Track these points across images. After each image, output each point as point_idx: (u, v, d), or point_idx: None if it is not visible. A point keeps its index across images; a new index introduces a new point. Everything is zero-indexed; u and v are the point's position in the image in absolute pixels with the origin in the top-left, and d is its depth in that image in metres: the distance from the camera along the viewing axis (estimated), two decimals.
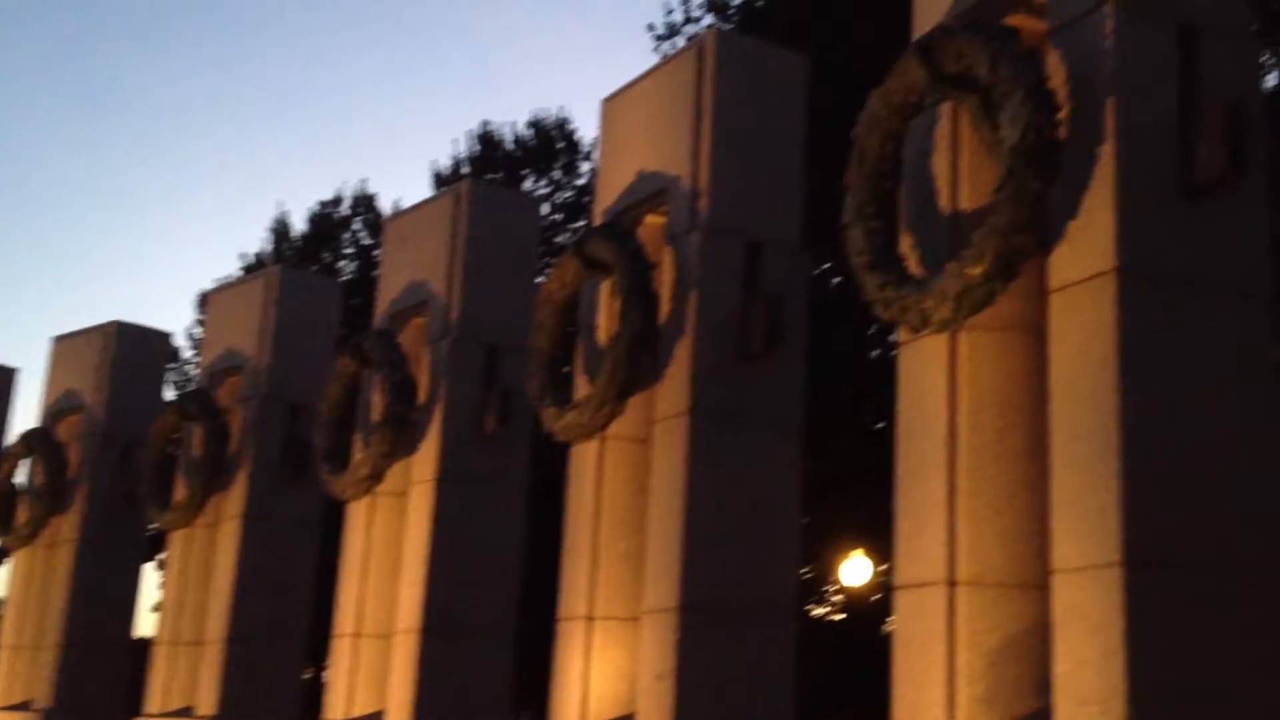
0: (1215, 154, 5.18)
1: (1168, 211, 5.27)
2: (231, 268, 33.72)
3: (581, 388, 8.06)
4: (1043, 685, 5.19)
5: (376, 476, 9.66)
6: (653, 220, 7.98)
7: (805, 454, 7.81)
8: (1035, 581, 5.39)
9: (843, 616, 26.31)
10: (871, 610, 24.37)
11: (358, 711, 9.47)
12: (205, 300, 18.25)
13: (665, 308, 7.64)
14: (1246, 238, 5.43)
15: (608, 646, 7.65)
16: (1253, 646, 5.07)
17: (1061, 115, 5.40)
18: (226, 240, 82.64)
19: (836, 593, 26.47)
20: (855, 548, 18.39)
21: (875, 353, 21.40)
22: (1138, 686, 4.80)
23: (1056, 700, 5.02)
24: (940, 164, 6.08)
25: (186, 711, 11.17)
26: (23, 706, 13.40)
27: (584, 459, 8.02)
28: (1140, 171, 5.25)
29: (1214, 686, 4.96)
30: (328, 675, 9.78)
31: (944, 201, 6.02)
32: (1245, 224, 5.42)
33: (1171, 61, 5.38)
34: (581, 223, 25.45)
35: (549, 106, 39.99)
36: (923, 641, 5.63)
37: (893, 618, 6.01)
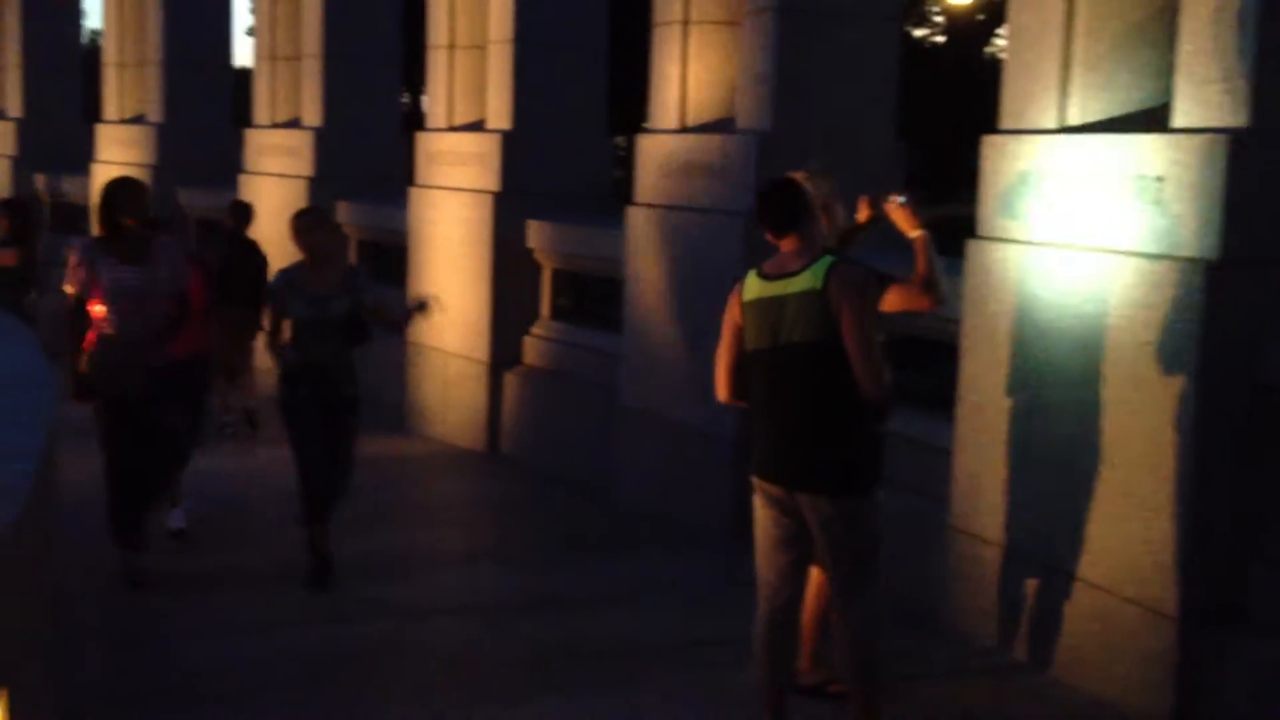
0: None
1: None
2: None
3: None
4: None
5: None
6: None
7: None
8: None
9: (944, 39, 25.77)
10: (974, 31, 23.88)
11: (459, 121, 9.44)
12: None
13: None
14: None
15: (705, 51, 7.42)
16: None
17: None
18: None
19: (938, 14, 25.83)
20: None
21: None
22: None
23: (1178, 83, 4.73)
24: None
25: (295, 123, 11.27)
26: (138, 120, 13.73)
27: None
28: None
29: None
30: (427, 87, 9.67)
31: None
32: None
33: None
34: None
35: None
36: (1038, 32, 5.30)
37: (1009, 14, 5.65)
